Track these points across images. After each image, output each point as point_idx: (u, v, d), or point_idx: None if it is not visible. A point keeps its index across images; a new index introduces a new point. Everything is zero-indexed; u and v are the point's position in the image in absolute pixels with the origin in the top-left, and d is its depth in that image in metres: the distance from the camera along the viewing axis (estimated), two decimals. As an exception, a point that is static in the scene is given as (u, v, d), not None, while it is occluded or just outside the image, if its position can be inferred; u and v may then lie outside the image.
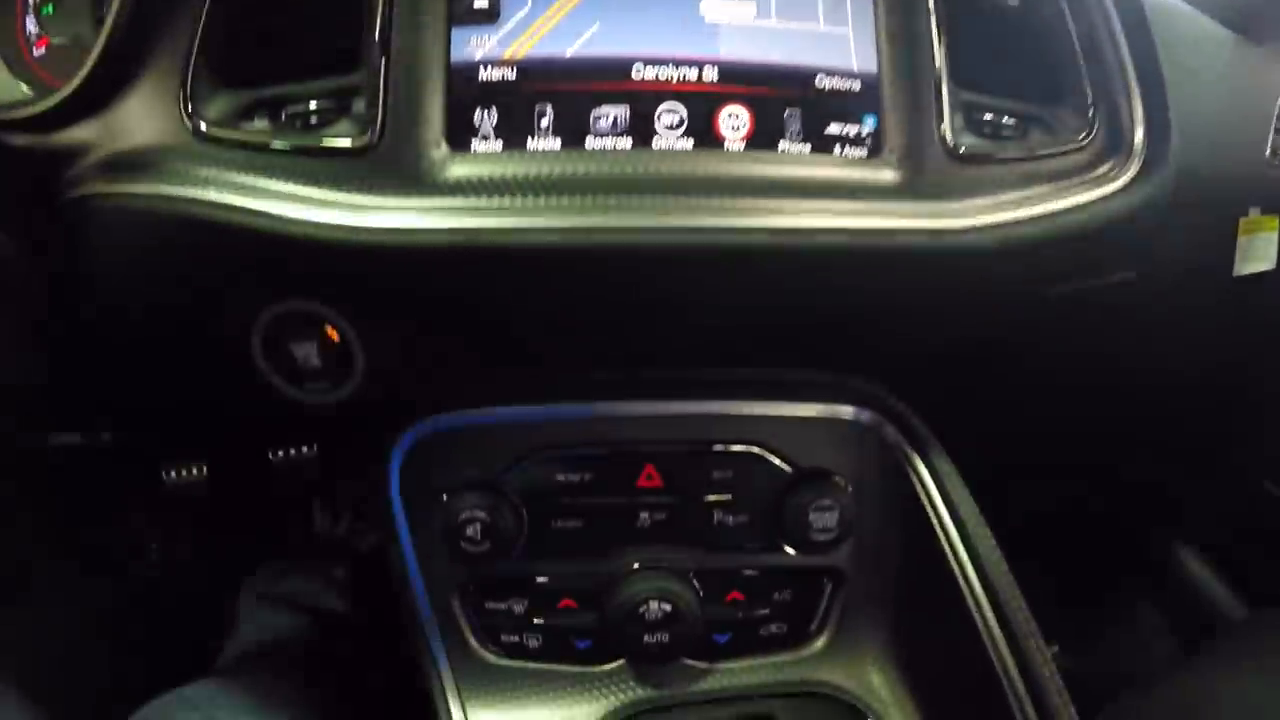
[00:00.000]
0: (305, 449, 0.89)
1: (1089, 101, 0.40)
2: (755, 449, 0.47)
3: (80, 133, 0.35)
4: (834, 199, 0.37)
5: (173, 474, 0.91)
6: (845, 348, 0.48)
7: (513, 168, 0.36)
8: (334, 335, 0.41)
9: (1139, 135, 0.39)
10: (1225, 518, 0.85)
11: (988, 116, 0.40)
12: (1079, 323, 0.59)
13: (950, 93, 0.39)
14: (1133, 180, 0.38)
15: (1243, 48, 0.54)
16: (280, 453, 0.88)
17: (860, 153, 0.39)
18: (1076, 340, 0.65)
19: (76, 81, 0.35)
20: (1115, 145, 0.39)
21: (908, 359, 0.50)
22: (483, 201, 0.35)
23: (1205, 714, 0.59)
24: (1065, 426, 0.80)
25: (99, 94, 0.35)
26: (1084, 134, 0.40)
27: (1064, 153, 0.40)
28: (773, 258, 0.38)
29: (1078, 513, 0.89)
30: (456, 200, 0.35)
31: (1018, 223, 0.38)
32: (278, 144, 0.36)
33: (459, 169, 0.36)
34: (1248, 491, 0.80)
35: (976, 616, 0.45)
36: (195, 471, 0.89)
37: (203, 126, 0.35)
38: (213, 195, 0.34)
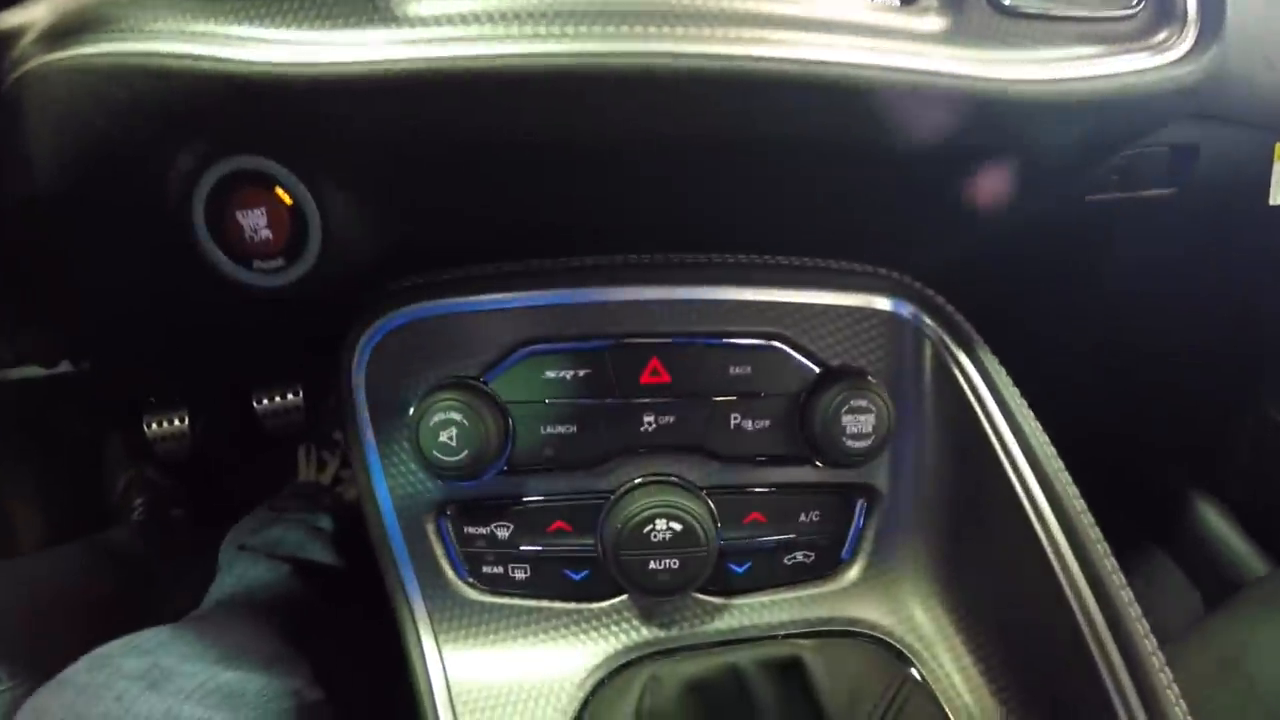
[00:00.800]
0: (290, 394, 0.85)
1: None
2: (777, 342, 0.41)
3: (25, 13, 0.31)
4: (869, 38, 0.33)
5: (154, 425, 0.88)
6: (871, 232, 0.42)
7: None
8: (286, 198, 0.36)
9: (1191, 3, 0.36)
10: (1251, 471, 0.81)
11: (1029, -30, 0.36)
12: (1111, 242, 0.59)
13: (990, -59, 0.35)
14: (1189, 51, 0.36)
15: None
16: (264, 400, 0.84)
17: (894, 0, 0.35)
18: (1107, 263, 0.65)
19: None
20: (1167, 13, 0.36)
21: (937, 253, 0.45)
22: (457, 31, 0.31)
23: (1244, 663, 0.59)
24: (1090, 365, 0.75)
25: None
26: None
27: (1115, 18, 0.36)
28: (795, 93, 0.32)
29: (1099, 464, 0.84)
30: (425, 32, 0.31)
31: (1073, 80, 0.34)
32: None
33: (427, 2, 0.31)
34: (1273, 443, 0.75)
35: (1043, 538, 0.39)
36: (177, 422, 0.86)
37: (148, -22, 0.30)
38: (162, 46, 0.30)
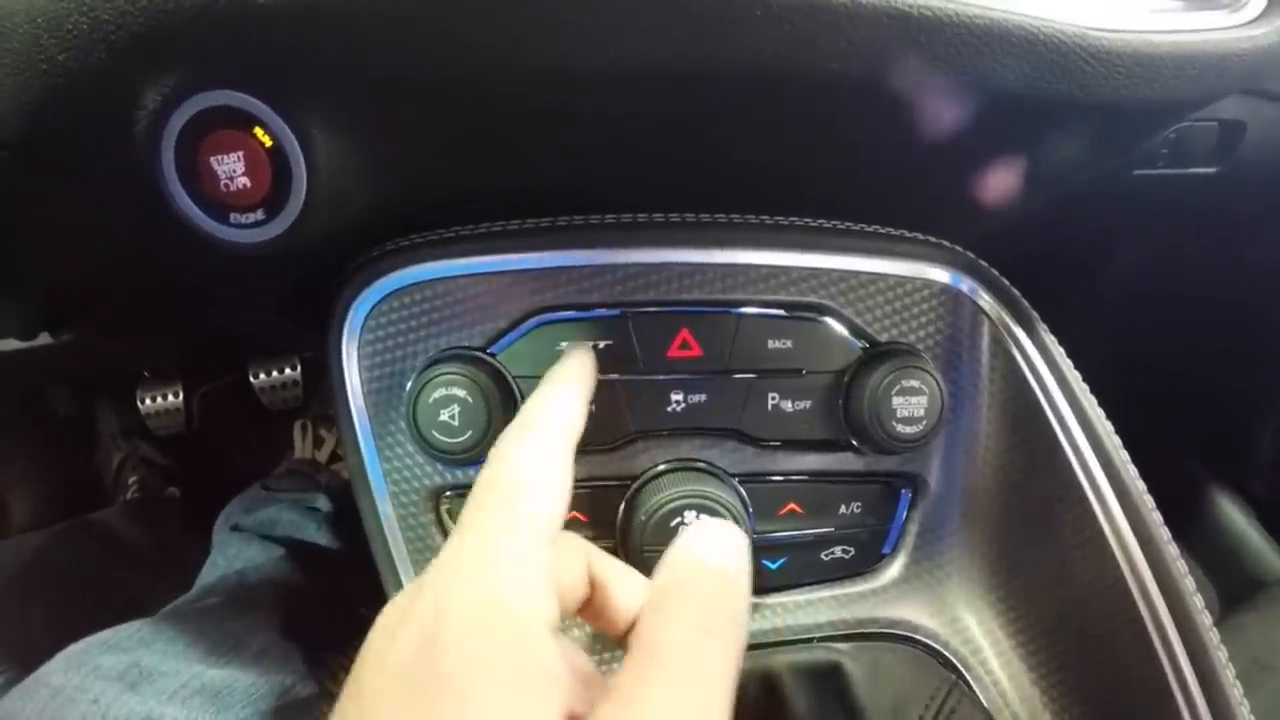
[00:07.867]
0: (288, 368, 0.81)
1: None
2: (822, 316, 0.36)
3: None
4: None
5: (147, 399, 0.85)
6: (917, 197, 0.38)
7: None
8: (265, 140, 0.31)
9: None
10: (1272, 467, 0.79)
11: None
12: (1153, 220, 0.57)
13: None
14: (1263, 13, 0.34)
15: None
16: (261, 374, 0.80)
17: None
18: (1129, 250, 0.64)
19: None
20: None
21: (974, 227, 0.41)
22: None
23: (1277, 664, 0.60)
24: (1108, 356, 0.73)
25: None
26: None
27: None
28: (862, 28, 0.28)
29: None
30: None
31: (1155, 31, 0.32)
32: None
33: None
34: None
35: (1110, 538, 0.35)
36: (171, 397, 0.84)
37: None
38: None
